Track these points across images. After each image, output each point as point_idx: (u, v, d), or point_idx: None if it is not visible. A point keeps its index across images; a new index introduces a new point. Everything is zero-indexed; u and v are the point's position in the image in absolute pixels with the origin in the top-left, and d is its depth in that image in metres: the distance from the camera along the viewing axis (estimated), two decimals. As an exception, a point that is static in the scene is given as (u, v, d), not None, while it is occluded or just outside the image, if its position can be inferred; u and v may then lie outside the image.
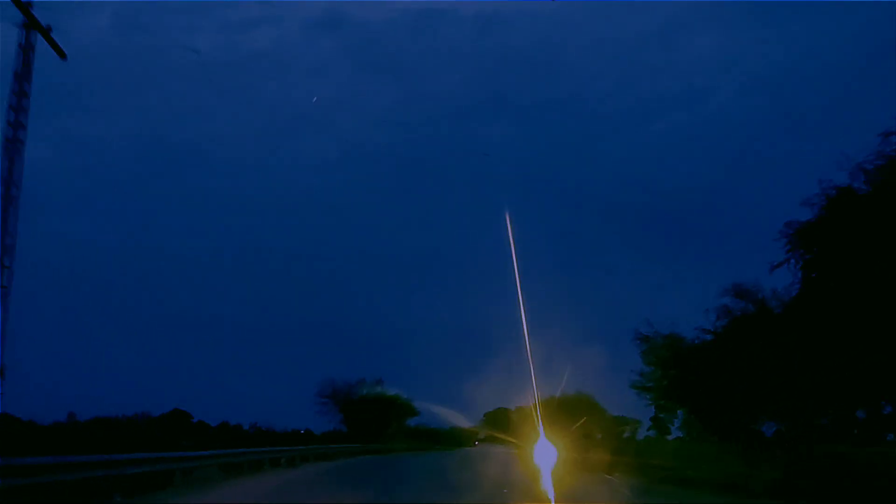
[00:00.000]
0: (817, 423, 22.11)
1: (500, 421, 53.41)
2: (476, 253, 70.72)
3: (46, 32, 16.57)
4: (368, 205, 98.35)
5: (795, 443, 20.41)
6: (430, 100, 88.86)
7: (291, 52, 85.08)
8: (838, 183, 17.81)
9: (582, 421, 30.51)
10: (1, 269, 21.83)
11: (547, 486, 17.62)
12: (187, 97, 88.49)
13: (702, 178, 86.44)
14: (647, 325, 26.42)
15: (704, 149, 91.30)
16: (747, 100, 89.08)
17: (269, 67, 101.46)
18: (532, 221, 67.07)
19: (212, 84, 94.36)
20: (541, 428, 21.51)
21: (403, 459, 36.49)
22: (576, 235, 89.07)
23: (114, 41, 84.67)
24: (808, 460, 17.07)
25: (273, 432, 41.95)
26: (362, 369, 53.15)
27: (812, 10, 74.97)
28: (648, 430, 43.94)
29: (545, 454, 20.49)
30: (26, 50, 16.04)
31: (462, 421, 53.53)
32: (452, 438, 59.18)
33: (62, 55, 16.93)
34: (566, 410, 31.25)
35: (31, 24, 16.21)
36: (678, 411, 32.54)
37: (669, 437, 40.17)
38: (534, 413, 24.85)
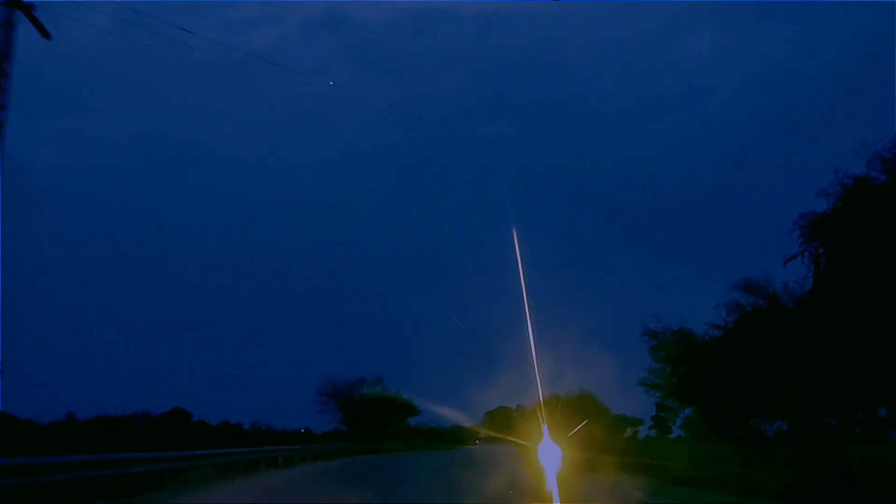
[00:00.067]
0: (823, 422, 21.53)
1: (501, 420, 53.10)
2: (476, 252, 70.43)
3: (28, 9, 15.65)
4: (368, 205, 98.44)
5: (798, 442, 19.84)
6: (430, 100, 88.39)
7: (291, 51, 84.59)
8: (855, 172, 17.26)
9: (585, 420, 29.99)
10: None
11: (552, 486, 17.10)
12: (187, 97, 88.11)
13: (702, 178, 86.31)
14: (656, 321, 25.81)
15: (704, 149, 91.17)
16: (747, 100, 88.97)
17: (269, 67, 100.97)
18: (532, 220, 66.66)
19: (212, 84, 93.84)
20: (544, 427, 21.11)
21: (403, 458, 36.01)
22: (576, 235, 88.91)
23: (114, 41, 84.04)
24: (816, 459, 16.45)
25: (273, 431, 41.56)
26: (362, 368, 52.75)
27: (812, 10, 74.74)
28: (649, 429, 43.64)
29: (549, 453, 20.11)
30: (6, 27, 15.29)
31: (463, 420, 53.20)
32: (453, 437, 59.02)
33: (46, 35, 16.10)
34: (568, 409, 30.75)
35: (11, 2, 15.50)
36: (682, 410, 32.03)
37: (670, 437, 39.84)
38: (537, 412, 24.41)
